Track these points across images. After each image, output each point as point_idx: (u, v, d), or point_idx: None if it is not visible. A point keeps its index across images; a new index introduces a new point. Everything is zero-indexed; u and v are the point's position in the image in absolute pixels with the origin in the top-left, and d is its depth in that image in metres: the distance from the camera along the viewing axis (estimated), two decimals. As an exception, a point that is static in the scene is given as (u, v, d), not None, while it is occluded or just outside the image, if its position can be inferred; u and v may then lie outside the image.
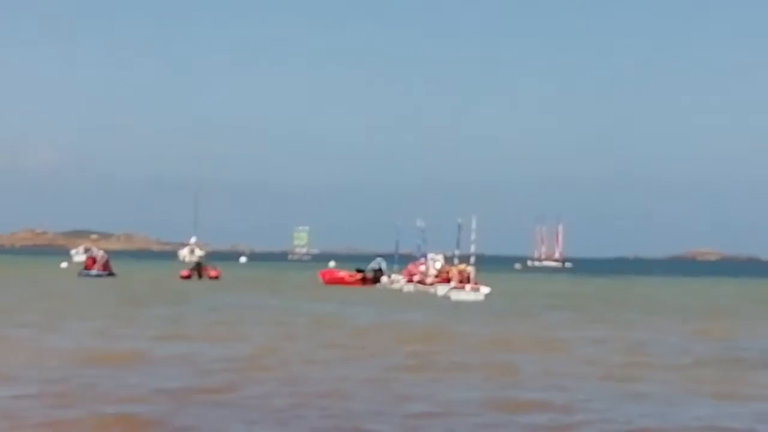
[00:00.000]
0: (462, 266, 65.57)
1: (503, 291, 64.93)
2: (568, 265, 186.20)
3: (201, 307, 45.42)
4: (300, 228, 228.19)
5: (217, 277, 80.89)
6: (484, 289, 59.44)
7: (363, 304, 49.55)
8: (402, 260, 77.38)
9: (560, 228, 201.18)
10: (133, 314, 39.80)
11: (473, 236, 63.61)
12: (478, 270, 63.21)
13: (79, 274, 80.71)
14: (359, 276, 76.64)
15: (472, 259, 62.71)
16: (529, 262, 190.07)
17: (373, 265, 78.18)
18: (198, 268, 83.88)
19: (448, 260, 69.26)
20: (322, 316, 40.79)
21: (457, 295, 58.29)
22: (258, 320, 38.16)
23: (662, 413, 18.33)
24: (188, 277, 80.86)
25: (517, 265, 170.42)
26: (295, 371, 22.94)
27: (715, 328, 39.08)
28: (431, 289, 63.77)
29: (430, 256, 72.36)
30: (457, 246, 66.03)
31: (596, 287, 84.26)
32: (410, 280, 70.65)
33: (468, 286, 59.80)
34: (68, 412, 17.19)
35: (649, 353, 28.77)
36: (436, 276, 67.11)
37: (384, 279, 75.21)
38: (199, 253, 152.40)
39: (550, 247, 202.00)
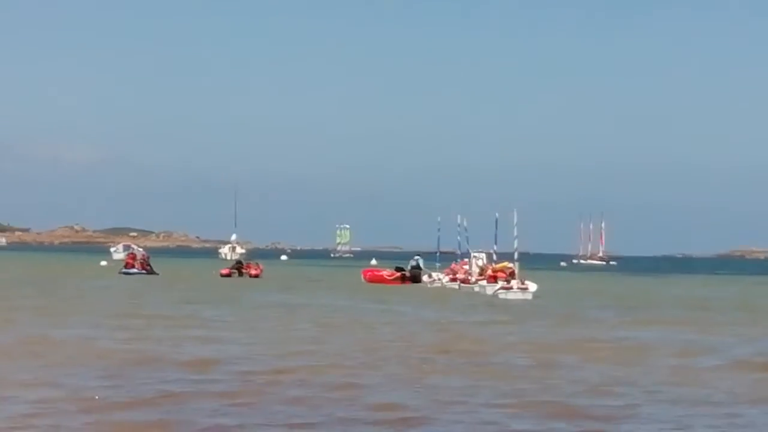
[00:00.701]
0: (504, 264, 64.03)
1: (551, 289, 63.21)
2: (612, 263, 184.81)
3: (272, 306, 43.92)
4: (342, 226, 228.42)
5: (258, 276, 79.73)
6: (532, 287, 57.91)
7: (418, 305, 47.89)
8: (443, 258, 76.03)
9: (603, 225, 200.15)
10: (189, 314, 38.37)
11: (515, 232, 62.00)
12: (522, 268, 61.54)
13: (120, 273, 79.71)
14: (398, 275, 75.15)
15: (516, 256, 61.08)
16: (574, 261, 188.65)
17: (411, 262, 76.81)
18: (238, 266, 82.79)
19: (489, 258, 67.93)
20: (381, 317, 38.86)
21: (505, 294, 56.92)
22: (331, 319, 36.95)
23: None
24: (228, 275, 79.55)
25: (563, 263, 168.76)
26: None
27: None
28: (475, 288, 62.35)
29: (473, 254, 70.80)
30: (495, 242, 64.60)
31: (644, 286, 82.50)
32: (453, 279, 69.23)
33: (515, 285, 58.20)
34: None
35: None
36: (480, 275, 65.68)
37: (425, 278, 73.77)
38: (240, 251, 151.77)
39: (595, 245, 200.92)
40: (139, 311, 38.95)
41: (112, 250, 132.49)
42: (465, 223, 72.86)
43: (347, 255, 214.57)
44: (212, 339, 28.66)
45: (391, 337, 30.71)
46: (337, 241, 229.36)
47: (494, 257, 65.07)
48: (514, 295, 56.59)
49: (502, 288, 58.05)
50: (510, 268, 61.56)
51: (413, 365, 23.43)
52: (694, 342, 31.13)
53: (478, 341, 29.69)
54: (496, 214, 65.30)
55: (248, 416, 16.49)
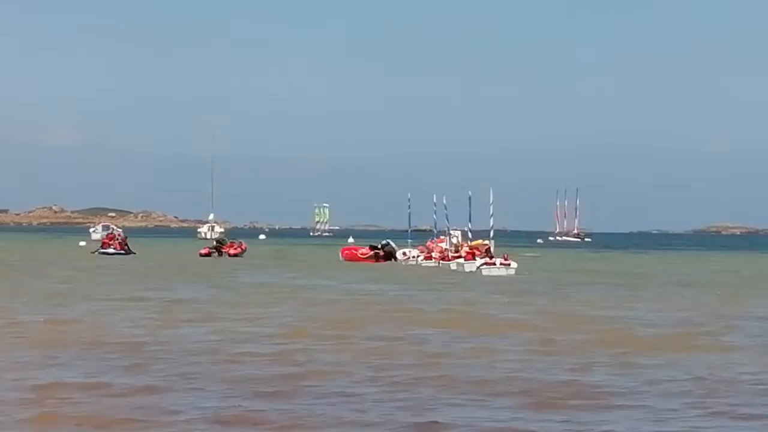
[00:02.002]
0: (480, 241, 64.99)
1: (531, 266, 64.03)
2: (587, 240, 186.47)
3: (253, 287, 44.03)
4: (321, 204, 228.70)
5: (237, 255, 79.90)
6: (514, 264, 58.73)
7: (402, 283, 47.78)
8: (417, 236, 76.40)
9: (578, 203, 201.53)
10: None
11: (491, 210, 62.78)
12: (498, 245, 62.30)
13: (96, 253, 79.90)
14: (372, 253, 75.55)
15: (491, 234, 61.85)
16: (551, 237, 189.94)
17: (382, 242, 77.32)
18: (218, 246, 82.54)
19: (464, 236, 68.57)
20: (379, 298, 38.43)
21: (488, 271, 57.46)
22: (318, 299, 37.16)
23: None
24: (208, 255, 79.61)
25: (540, 240, 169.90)
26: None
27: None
28: (452, 265, 62.81)
29: (448, 231, 71.65)
30: (470, 220, 65.27)
31: (614, 262, 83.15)
32: (428, 257, 69.67)
33: (499, 262, 58.87)
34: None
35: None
36: (456, 252, 66.37)
37: (399, 255, 73.99)
38: (218, 230, 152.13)
39: (570, 222, 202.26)
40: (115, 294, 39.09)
41: (91, 230, 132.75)
42: (445, 202, 73.35)
43: (327, 234, 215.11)
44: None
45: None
46: (316, 219, 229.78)
47: (470, 235, 65.70)
48: (497, 272, 57.19)
49: (485, 264, 58.82)
50: (486, 245, 62.38)
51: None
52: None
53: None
54: (469, 193, 66.09)
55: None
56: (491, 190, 63.16)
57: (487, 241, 62.77)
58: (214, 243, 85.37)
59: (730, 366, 20.51)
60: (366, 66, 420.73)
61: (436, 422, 14.65)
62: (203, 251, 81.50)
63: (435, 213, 74.00)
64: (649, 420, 15.23)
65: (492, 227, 62.35)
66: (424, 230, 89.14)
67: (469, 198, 65.74)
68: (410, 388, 17.44)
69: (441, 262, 65.93)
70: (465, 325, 27.71)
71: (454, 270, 61.51)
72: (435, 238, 73.94)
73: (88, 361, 20.04)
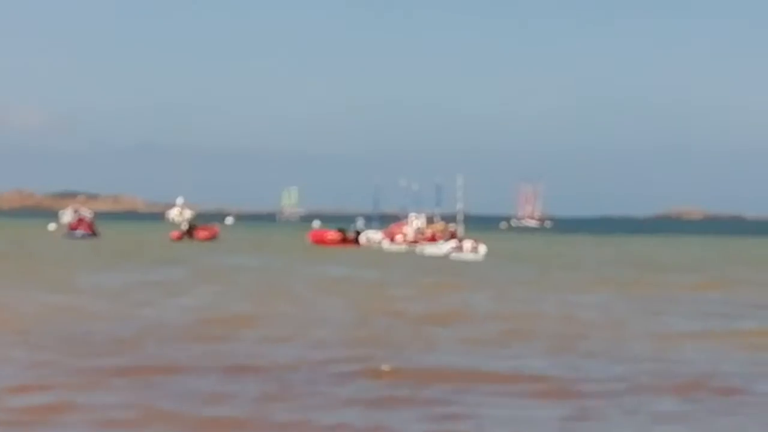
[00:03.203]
0: (440, 225, 65.82)
1: (500, 251, 65.05)
2: (547, 224, 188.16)
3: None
4: (289, 188, 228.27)
5: (208, 239, 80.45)
6: (482, 249, 59.44)
7: (373, 268, 48.41)
8: (384, 220, 77.14)
9: (540, 188, 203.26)
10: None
11: (459, 196, 63.77)
12: (466, 230, 63.24)
13: (65, 236, 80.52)
14: (339, 237, 76.45)
15: (460, 218, 62.69)
16: (513, 222, 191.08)
17: (353, 225, 78.38)
18: (189, 230, 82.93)
19: (430, 220, 69.21)
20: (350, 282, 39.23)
21: (457, 255, 58.40)
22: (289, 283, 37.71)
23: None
24: (180, 238, 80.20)
25: (503, 225, 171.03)
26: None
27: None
28: (417, 249, 63.67)
29: (411, 216, 72.77)
30: (437, 205, 65.99)
31: (568, 246, 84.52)
32: (392, 240, 70.66)
33: (467, 247, 59.80)
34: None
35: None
36: (422, 235, 67.30)
37: (362, 239, 74.88)
38: (188, 214, 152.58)
39: (533, 206, 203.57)
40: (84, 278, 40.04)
41: (60, 213, 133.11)
42: (416, 187, 74.15)
43: (294, 218, 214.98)
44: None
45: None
46: (284, 203, 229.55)
47: (436, 220, 66.34)
48: (466, 257, 58.20)
49: (454, 249, 59.78)
50: (451, 229, 63.42)
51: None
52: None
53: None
54: (436, 180, 66.99)
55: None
56: (459, 177, 64.14)
57: (452, 225, 63.70)
58: (186, 227, 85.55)
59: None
60: (336, 51, 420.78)
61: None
62: (175, 235, 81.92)
63: (404, 198, 75.00)
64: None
65: (460, 212, 63.17)
66: (390, 214, 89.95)
67: (437, 185, 66.71)
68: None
69: (410, 245, 66.74)
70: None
71: (419, 253, 62.32)
72: (399, 222, 74.89)
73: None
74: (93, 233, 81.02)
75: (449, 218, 65.22)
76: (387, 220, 77.70)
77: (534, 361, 19.01)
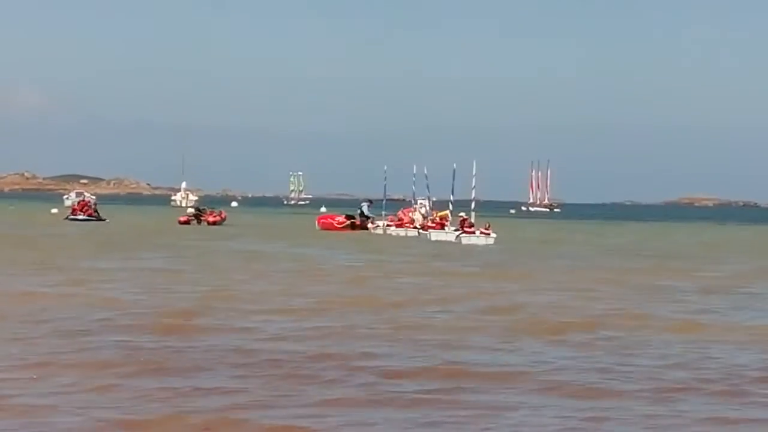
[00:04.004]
0: (445, 212, 65.85)
1: (513, 237, 64.48)
2: (557, 210, 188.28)
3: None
4: (295, 173, 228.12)
5: (216, 223, 78.84)
6: (494, 234, 59.34)
7: (391, 253, 47.30)
8: (391, 206, 76.29)
9: (549, 173, 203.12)
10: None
11: (473, 182, 62.81)
12: (477, 216, 62.43)
13: (67, 219, 79.34)
14: (347, 222, 75.08)
15: (473, 205, 62.04)
16: (523, 208, 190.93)
17: (358, 210, 77.00)
18: (197, 214, 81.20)
19: (443, 205, 68.48)
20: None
21: (468, 240, 58.38)
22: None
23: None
24: (187, 222, 78.50)
25: (512, 210, 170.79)
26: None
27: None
28: (428, 234, 62.87)
29: (419, 201, 71.70)
30: (452, 192, 64.91)
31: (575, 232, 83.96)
32: (399, 225, 69.48)
33: (478, 231, 59.43)
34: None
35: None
36: (430, 221, 66.71)
37: (369, 224, 73.54)
38: (192, 198, 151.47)
39: (542, 192, 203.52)
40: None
41: (64, 197, 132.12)
42: (426, 172, 73.03)
43: (302, 202, 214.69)
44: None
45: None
46: (291, 188, 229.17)
47: (450, 206, 65.22)
48: (477, 240, 58.22)
49: (464, 233, 59.41)
50: (462, 215, 62.55)
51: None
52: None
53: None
54: (454, 165, 65.70)
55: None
56: (474, 162, 63.12)
57: (462, 212, 62.93)
58: (194, 211, 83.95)
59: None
60: (342, 37, 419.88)
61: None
62: (182, 219, 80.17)
63: (414, 183, 73.72)
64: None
65: (474, 198, 62.48)
66: (398, 199, 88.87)
67: (454, 170, 65.41)
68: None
69: (421, 231, 65.96)
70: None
71: (428, 239, 61.66)
72: (407, 208, 73.65)
73: None
74: (97, 217, 79.80)
75: (462, 204, 64.08)
76: (394, 206, 76.76)
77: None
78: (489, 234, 59.19)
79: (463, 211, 62.64)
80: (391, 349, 18.11)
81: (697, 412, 13.87)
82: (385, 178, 78.59)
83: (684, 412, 13.82)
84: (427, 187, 71.92)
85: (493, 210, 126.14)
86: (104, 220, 79.13)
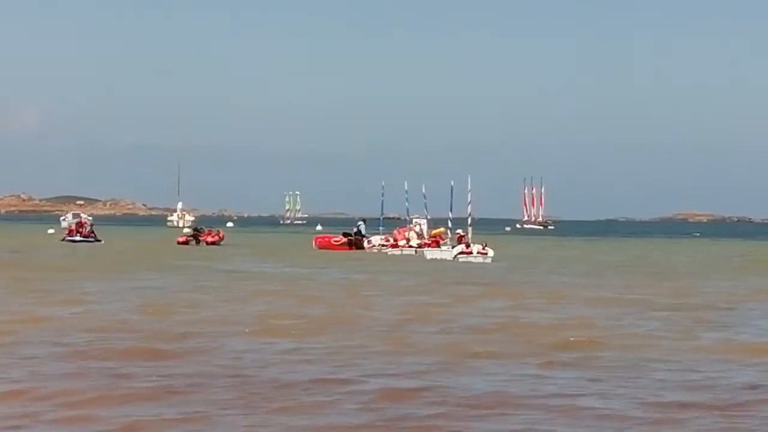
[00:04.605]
0: (440, 229, 66.58)
1: (506, 254, 64.44)
2: (550, 227, 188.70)
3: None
4: (292, 192, 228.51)
5: (215, 243, 78.80)
6: (490, 252, 59.43)
7: (393, 272, 47.06)
8: (388, 224, 76.24)
9: (543, 190, 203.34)
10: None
11: (469, 198, 62.96)
12: (474, 233, 62.56)
13: (65, 240, 79.22)
14: (345, 240, 75.02)
15: (469, 221, 62.09)
16: (518, 225, 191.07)
17: (354, 228, 77.00)
18: (196, 234, 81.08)
19: (440, 223, 68.59)
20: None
21: (465, 259, 58.55)
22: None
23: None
24: (186, 243, 78.41)
25: (508, 228, 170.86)
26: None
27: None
28: (428, 254, 62.78)
29: (414, 220, 71.75)
30: (451, 209, 64.99)
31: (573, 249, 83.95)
32: (394, 245, 69.43)
33: (476, 250, 59.46)
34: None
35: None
36: (425, 239, 66.94)
37: (365, 243, 73.40)
38: (189, 218, 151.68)
39: (535, 209, 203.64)
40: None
41: (61, 218, 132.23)
42: (424, 190, 73.10)
43: (298, 221, 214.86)
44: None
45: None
46: (287, 207, 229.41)
47: (449, 224, 65.14)
48: (474, 259, 58.31)
49: (462, 252, 59.47)
50: (459, 233, 62.60)
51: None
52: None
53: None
54: (452, 182, 65.76)
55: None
56: (469, 178, 63.21)
57: (459, 230, 63.00)
58: (192, 231, 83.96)
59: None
60: (337, 55, 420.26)
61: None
62: (181, 239, 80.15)
63: (407, 201, 73.70)
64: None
65: (470, 214, 62.55)
66: (392, 218, 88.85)
67: (451, 187, 65.39)
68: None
69: (417, 250, 65.98)
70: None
71: (428, 258, 61.45)
72: (402, 227, 73.83)
73: None
74: (94, 238, 79.71)
75: (458, 222, 64.15)
76: (389, 224, 76.68)
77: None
78: (486, 253, 59.25)
79: (460, 229, 62.73)
80: (396, 369, 18.19)
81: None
82: (383, 194, 78.53)
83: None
84: (425, 206, 72.04)
85: (488, 227, 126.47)
86: (100, 240, 78.98)
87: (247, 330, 23.22)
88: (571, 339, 22.20)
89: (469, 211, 62.90)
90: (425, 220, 71.72)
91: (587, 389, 16.45)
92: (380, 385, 16.50)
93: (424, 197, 72.20)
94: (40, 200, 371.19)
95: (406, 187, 74.15)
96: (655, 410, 14.92)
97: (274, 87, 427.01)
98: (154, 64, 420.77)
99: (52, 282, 36.72)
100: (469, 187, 63.08)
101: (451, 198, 64.92)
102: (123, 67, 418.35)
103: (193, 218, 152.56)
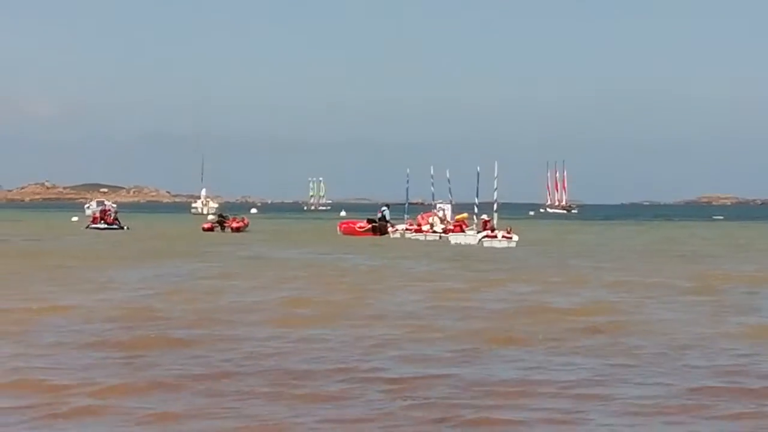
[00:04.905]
0: (463, 215, 66.60)
1: (534, 239, 64.22)
2: (574, 211, 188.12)
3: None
4: (316, 179, 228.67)
5: (240, 229, 78.86)
6: (515, 237, 59.41)
7: (418, 257, 46.88)
8: (412, 210, 76.18)
9: (565, 174, 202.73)
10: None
11: (495, 184, 62.69)
12: (499, 218, 62.45)
13: (87, 227, 79.45)
14: (369, 226, 74.92)
15: (495, 207, 61.92)
16: (541, 210, 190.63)
17: (378, 214, 76.99)
18: (221, 220, 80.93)
19: (466, 208, 68.44)
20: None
21: (489, 243, 58.50)
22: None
23: None
24: (211, 229, 78.46)
25: (531, 213, 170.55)
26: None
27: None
28: (452, 239, 62.70)
29: (438, 205, 71.73)
30: (477, 194, 64.65)
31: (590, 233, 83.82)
32: (418, 230, 69.27)
33: (500, 234, 59.57)
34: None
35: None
36: (449, 225, 66.89)
37: (389, 229, 73.19)
38: (213, 205, 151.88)
39: (559, 193, 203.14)
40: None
41: (85, 206, 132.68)
42: (448, 176, 72.95)
43: (323, 207, 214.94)
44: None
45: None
46: (311, 194, 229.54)
47: (476, 209, 64.82)
48: (499, 244, 58.21)
49: (487, 237, 59.47)
50: (484, 218, 62.47)
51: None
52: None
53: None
54: (478, 168, 65.45)
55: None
56: (496, 165, 62.94)
57: (485, 215, 62.94)
58: (217, 217, 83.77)
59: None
60: (361, 44, 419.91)
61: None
62: (206, 226, 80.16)
63: (433, 186, 73.64)
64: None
65: (496, 200, 62.36)
66: (417, 203, 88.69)
67: (478, 173, 65.06)
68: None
69: (442, 236, 65.83)
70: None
71: (451, 243, 61.41)
72: (426, 212, 73.47)
73: None
74: (118, 225, 79.91)
75: (483, 206, 63.94)
76: (414, 210, 76.55)
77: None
78: (511, 237, 59.12)
79: (485, 214, 62.60)
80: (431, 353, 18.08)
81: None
82: (408, 181, 78.34)
83: None
84: (450, 191, 71.97)
85: (512, 212, 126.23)
86: (124, 228, 79.16)
87: (270, 317, 23.20)
88: (597, 324, 22.07)
89: (495, 197, 62.65)
90: (449, 206, 71.51)
91: (616, 375, 16.31)
92: (405, 373, 16.41)
93: (449, 182, 72.25)
94: (64, 188, 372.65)
95: (431, 173, 74.13)
96: (687, 396, 14.78)
97: (297, 73, 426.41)
98: (176, 52, 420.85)
99: (79, 270, 36.82)
100: (496, 173, 62.79)
101: (478, 183, 64.65)
102: (145, 54, 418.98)
103: (217, 205, 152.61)
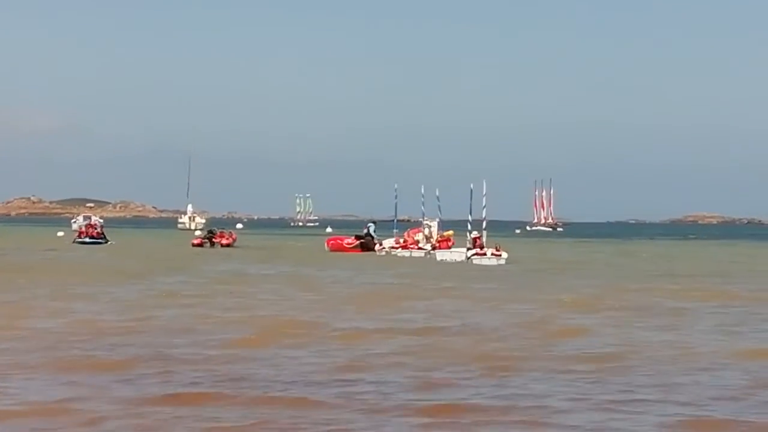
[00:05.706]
0: (449, 232, 67.03)
1: (521, 256, 64.37)
2: (560, 229, 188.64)
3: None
4: (303, 195, 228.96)
5: (229, 245, 78.96)
6: (504, 254, 59.72)
7: (407, 275, 46.93)
8: (402, 226, 76.33)
9: (552, 192, 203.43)
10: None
11: (484, 201, 62.78)
12: (488, 236, 62.53)
13: (74, 242, 79.65)
14: (357, 242, 74.95)
15: (484, 224, 62.02)
16: (528, 227, 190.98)
17: (364, 230, 77.05)
18: (210, 236, 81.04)
19: (453, 225, 68.61)
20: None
21: (479, 260, 58.70)
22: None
23: None
24: (200, 245, 78.41)
25: (518, 230, 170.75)
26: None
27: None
28: (438, 255, 62.89)
29: (425, 222, 71.83)
30: (470, 212, 64.72)
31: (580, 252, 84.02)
32: (405, 246, 69.45)
33: (489, 252, 59.78)
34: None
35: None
36: (436, 241, 66.93)
37: (376, 246, 73.13)
38: (199, 220, 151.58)
39: (546, 211, 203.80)
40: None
41: (72, 221, 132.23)
42: (437, 193, 73.30)
43: (311, 224, 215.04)
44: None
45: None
46: (297, 210, 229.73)
47: (469, 226, 64.78)
48: (488, 261, 58.39)
49: (476, 254, 59.64)
50: (473, 235, 62.51)
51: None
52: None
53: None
54: (471, 185, 65.52)
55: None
56: (484, 183, 63.05)
57: (475, 232, 63.00)
58: (206, 233, 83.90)
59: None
60: (343, 53, 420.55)
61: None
62: (195, 241, 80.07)
63: (423, 204, 73.71)
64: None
65: (485, 218, 62.46)
66: (403, 220, 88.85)
67: (471, 191, 65.03)
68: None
69: (429, 252, 65.92)
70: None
71: (439, 260, 61.79)
72: (413, 228, 73.98)
73: None
74: (104, 240, 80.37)
75: (473, 224, 63.96)
76: (402, 227, 76.83)
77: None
78: (500, 255, 59.20)
79: (476, 231, 62.66)
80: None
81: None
82: (396, 197, 78.61)
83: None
84: (439, 209, 72.26)
85: (498, 230, 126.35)
86: (108, 241, 79.77)
87: (252, 335, 23.11)
88: (593, 346, 21.95)
89: (483, 215, 62.71)
90: (436, 222, 71.71)
91: (620, 401, 16.09)
92: (408, 402, 16.01)
93: (438, 200, 72.50)
94: (50, 202, 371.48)
95: (422, 191, 74.52)
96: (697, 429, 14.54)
97: (282, 89, 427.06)
98: (162, 66, 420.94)
99: (75, 287, 36.65)
100: (484, 191, 62.88)
101: (471, 201, 64.68)
102: (131, 68, 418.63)
103: (204, 220, 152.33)
